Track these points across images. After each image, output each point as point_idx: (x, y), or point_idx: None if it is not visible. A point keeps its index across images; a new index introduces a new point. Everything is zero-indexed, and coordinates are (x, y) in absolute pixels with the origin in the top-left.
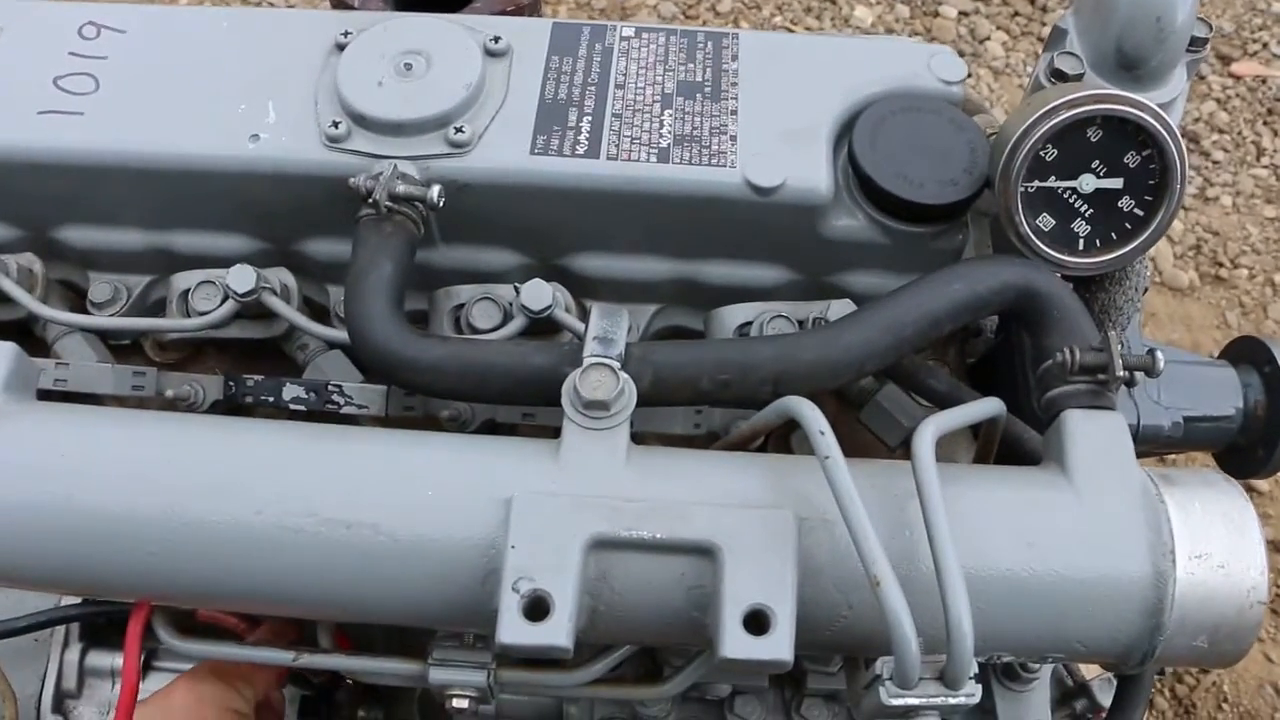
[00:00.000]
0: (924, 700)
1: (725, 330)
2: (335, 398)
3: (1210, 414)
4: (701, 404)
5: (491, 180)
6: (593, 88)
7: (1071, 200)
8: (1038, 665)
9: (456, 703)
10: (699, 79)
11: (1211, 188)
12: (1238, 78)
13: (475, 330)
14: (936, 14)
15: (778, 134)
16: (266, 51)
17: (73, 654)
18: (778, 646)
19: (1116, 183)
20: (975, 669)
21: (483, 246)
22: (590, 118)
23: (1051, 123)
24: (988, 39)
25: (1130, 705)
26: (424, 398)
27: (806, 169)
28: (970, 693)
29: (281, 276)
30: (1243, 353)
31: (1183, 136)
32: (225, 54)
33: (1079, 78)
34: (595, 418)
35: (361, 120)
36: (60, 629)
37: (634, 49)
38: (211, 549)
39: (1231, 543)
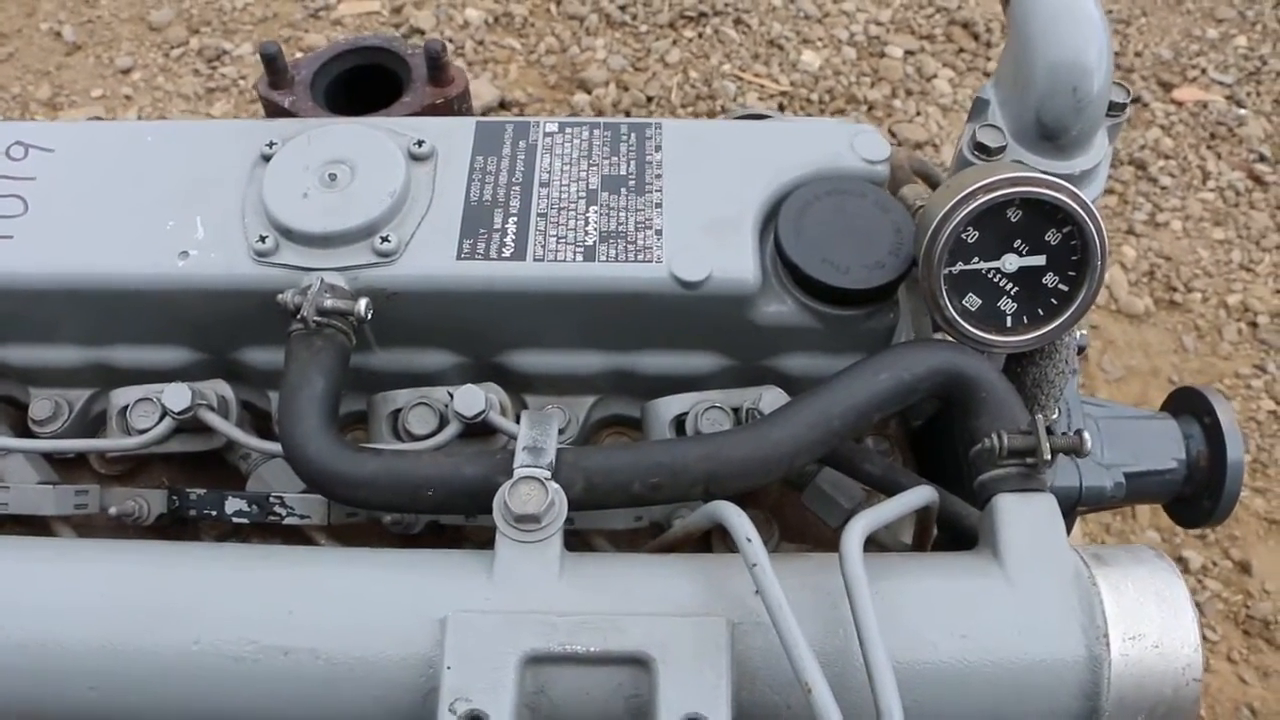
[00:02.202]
0: None
1: (661, 423)
2: (277, 509)
3: (1154, 468)
4: (634, 506)
5: (419, 287)
6: (517, 187)
7: (996, 280)
8: None
9: None
10: (623, 172)
11: (1161, 213)
12: (1179, 104)
13: (412, 436)
14: (883, 54)
15: (703, 225)
16: (193, 165)
17: None
18: None
19: (1039, 260)
20: None
21: (418, 349)
22: (516, 218)
23: (969, 208)
24: (934, 76)
25: None
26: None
27: (732, 260)
28: None
29: (219, 389)
30: (1183, 404)
31: (1130, 164)
32: (153, 168)
33: (1001, 150)
34: (527, 530)
35: (288, 233)
36: None
37: (558, 144)
38: (151, 681)
39: (1165, 621)
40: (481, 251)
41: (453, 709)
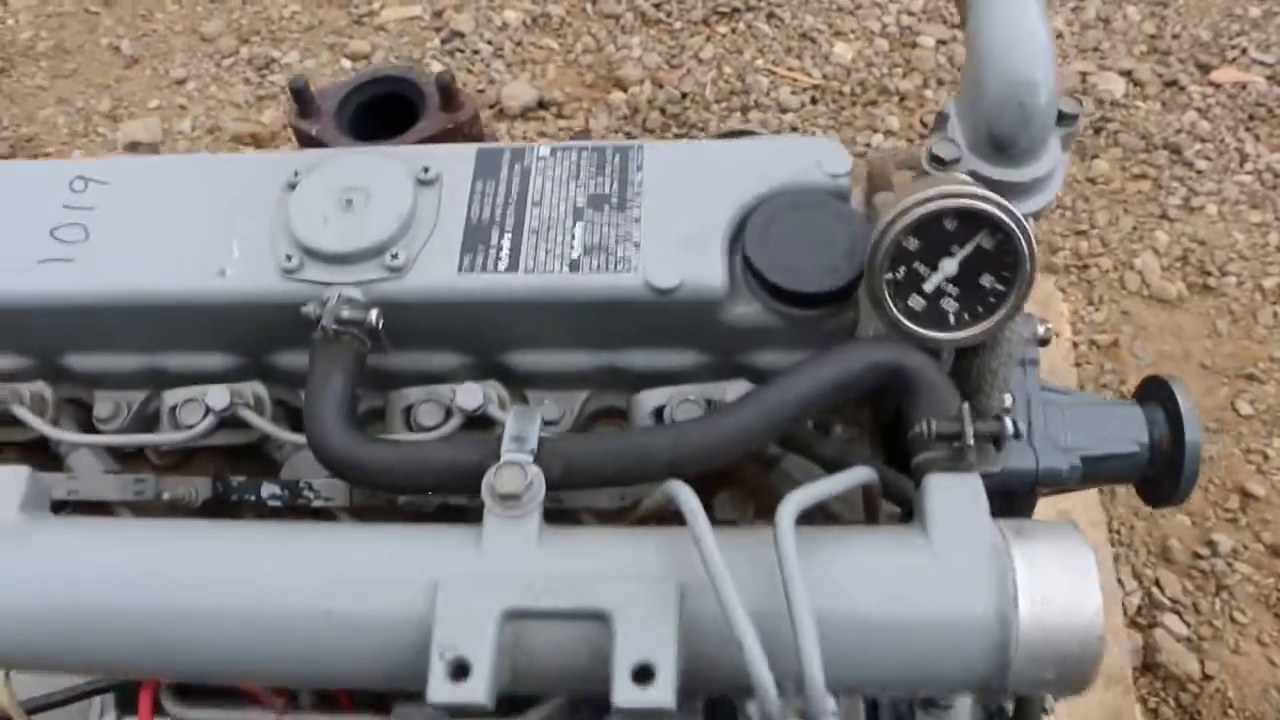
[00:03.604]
0: None
1: (643, 413)
2: (306, 494)
3: (1116, 452)
4: (608, 486)
5: (425, 299)
6: (512, 206)
7: (940, 283)
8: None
9: None
10: (606, 191)
11: (1196, 197)
12: (1217, 85)
13: (422, 428)
14: (915, 44)
15: (677, 237)
16: (229, 193)
17: None
18: (661, 695)
19: (976, 264)
20: (832, 706)
21: (429, 352)
22: (510, 235)
23: (905, 221)
24: None
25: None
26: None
27: (702, 269)
28: None
29: (255, 389)
30: (1150, 391)
31: (1165, 148)
32: (195, 197)
33: (955, 162)
34: (509, 508)
35: (311, 253)
36: (97, 700)
37: (549, 167)
38: (203, 635)
39: (1072, 588)
40: (480, 265)
41: (442, 655)
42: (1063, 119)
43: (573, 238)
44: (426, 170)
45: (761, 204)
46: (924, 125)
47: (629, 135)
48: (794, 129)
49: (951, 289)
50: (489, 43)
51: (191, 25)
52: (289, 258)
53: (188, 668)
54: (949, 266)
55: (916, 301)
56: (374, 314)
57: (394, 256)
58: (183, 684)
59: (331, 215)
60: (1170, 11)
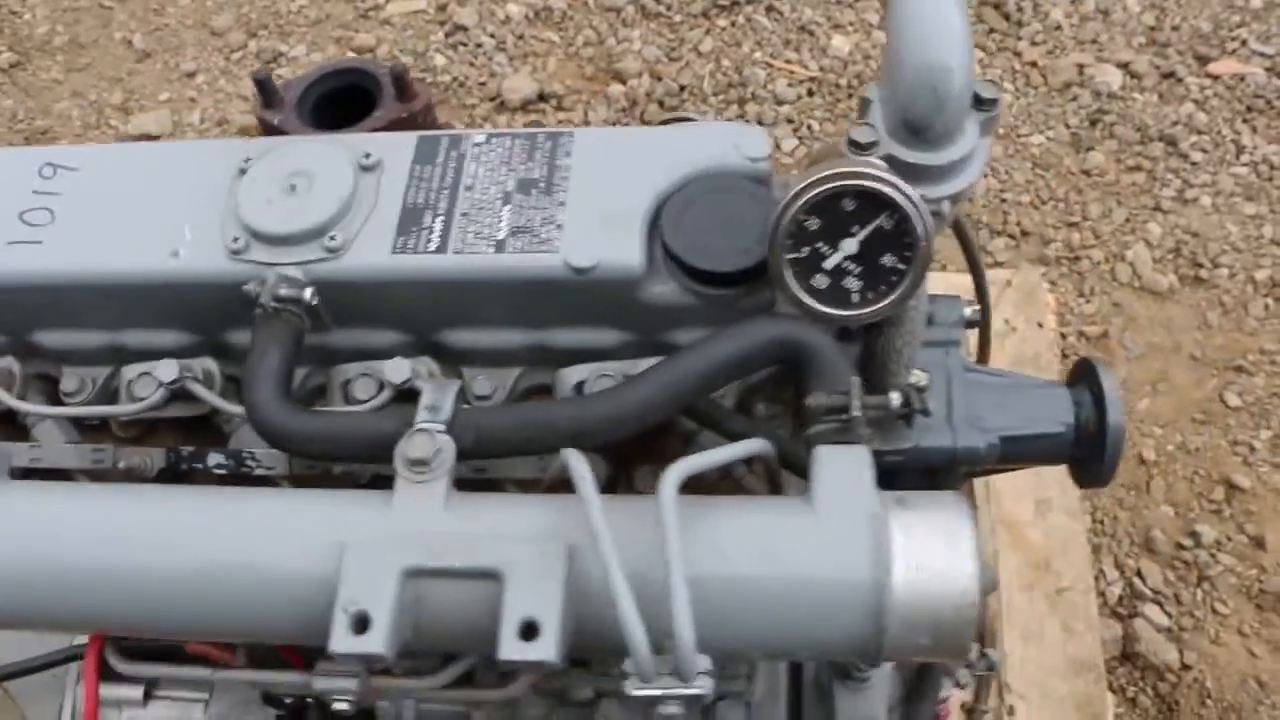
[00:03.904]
0: (661, 692)
1: (565, 388)
2: (249, 463)
3: (1042, 432)
4: (517, 455)
5: (360, 278)
6: (446, 191)
7: (842, 262)
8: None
9: (337, 706)
10: (536, 176)
11: (1190, 189)
12: (1215, 77)
13: (357, 401)
14: None
15: (598, 220)
16: (186, 179)
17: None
18: (545, 649)
19: (877, 244)
20: (705, 666)
21: (368, 329)
22: (443, 218)
23: (803, 200)
24: None
25: (925, 690)
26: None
27: (620, 249)
28: (702, 685)
29: (205, 365)
30: (1080, 374)
31: (1160, 140)
32: (154, 183)
33: (872, 145)
34: (418, 472)
35: (256, 235)
36: (74, 666)
37: (484, 153)
38: (143, 592)
39: (946, 555)
40: (412, 247)
41: (345, 609)
42: (981, 103)
43: (500, 220)
44: (368, 156)
45: (681, 187)
46: None
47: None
48: (789, 121)
49: (854, 268)
50: (491, 36)
51: (202, 19)
52: (235, 239)
53: (116, 621)
54: (849, 246)
55: (820, 280)
56: (309, 292)
57: (332, 238)
58: (130, 644)
59: (276, 199)
60: (1170, 3)
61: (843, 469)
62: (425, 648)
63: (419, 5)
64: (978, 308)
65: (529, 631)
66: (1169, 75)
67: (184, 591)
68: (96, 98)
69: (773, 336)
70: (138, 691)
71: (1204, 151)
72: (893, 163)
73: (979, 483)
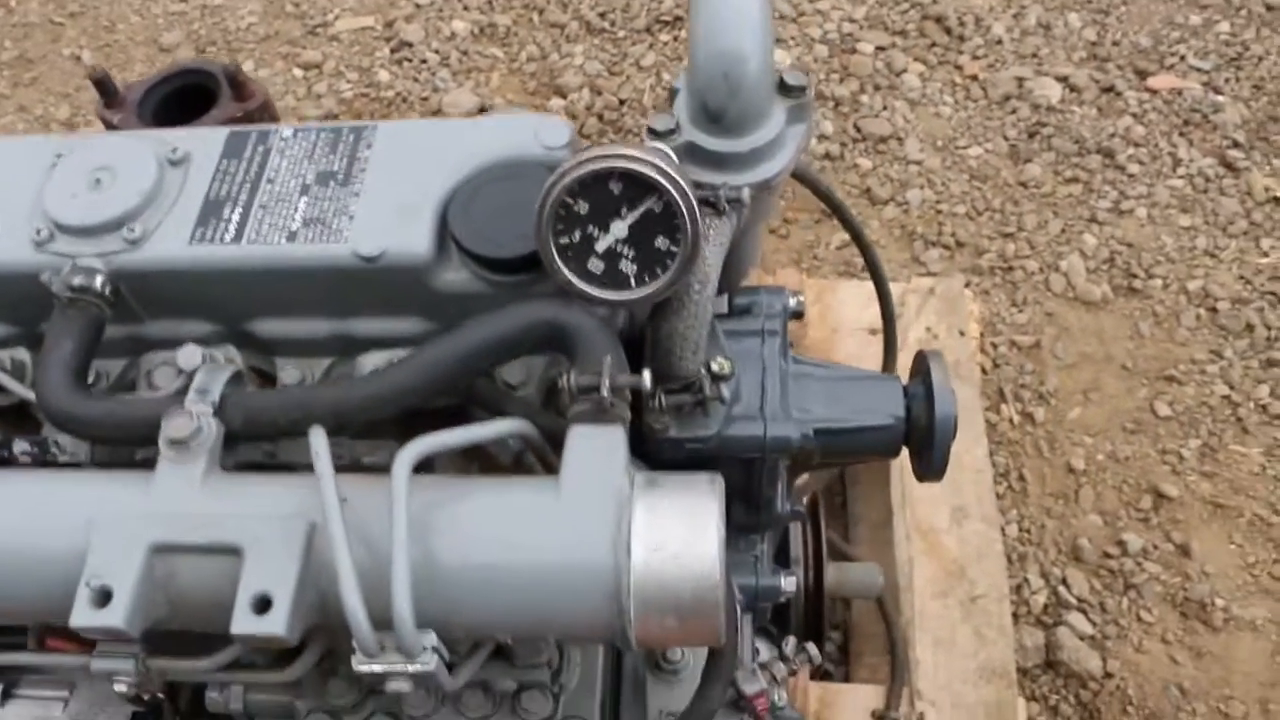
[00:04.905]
0: (385, 668)
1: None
2: (53, 449)
3: (870, 424)
4: (285, 437)
5: (158, 268)
6: (249, 184)
7: (614, 245)
8: (679, 657)
9: (117, 688)
10: (335, 169)
11: (1126, 200)
12: (1154, 91)
13: (156, 388)
14: (854, 50)
15: (390, 210)
16: (4, 174)
17: None
18: (274, 624)
19: (649, 226)
20: (431, 643)
21: (179, 319)
22: (242, 209)
23: (565, 182)
24: (904, 71)
25: (714, 677)
26: (128, 447)
27: (407, 238)
28: (425, 662)
29: (16, 355)
30: (917, 367)
31: (1098, 152)
32: None
33: (670, 133)
34: (178, 453)
35: (60, 226)
36: None
37: (289, 147)
38: None
39: (687, 536)
40: (208, 238)
41: (88, 583)
42: (789, 90)
43: (296, 211)
44: (175, 151)
45: (472, 176)
46: (857, 130)
47: None
48: None
49: (627, 251)
50: (436, 52)
51: (152, 36)
52: (39, 231)
53: None
54: (619, 229)
55: (595, 264)
56: (99, 280)
57: (131, 230)
58: None
59: (80, 192)
60: (1111, 19)
61: (593, 449)
62: (181, 625)
63: (367, 22)
64: (802, 299)
65: (262, 605)
66: (1108, 89)
67: None
68: (43, 112)
69: (533, 319)
70: None
71: (1141, 164)
72: (694, 150)
73: (894, 488)
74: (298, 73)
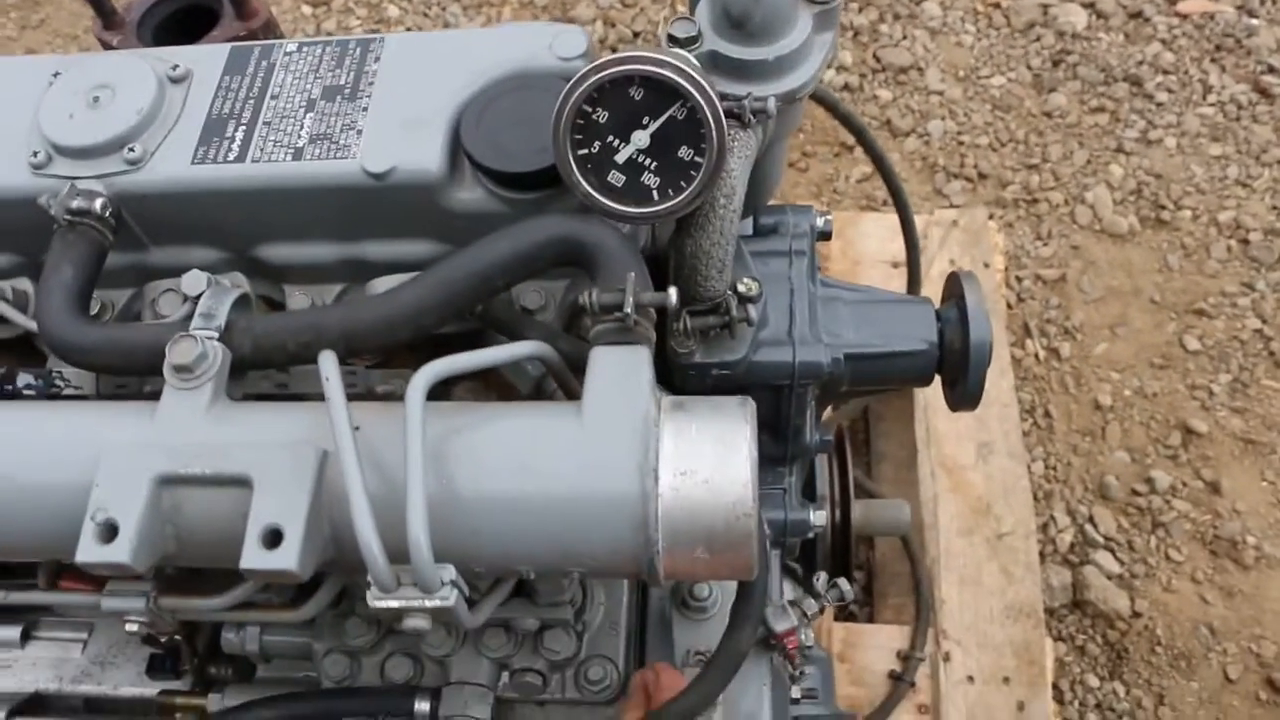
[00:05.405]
0: (402, 603)
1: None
2: (58, 383)
3: (903, 350)
4: (295, 363)
5: (160, 190)
6: (252, 101)
7: (635, 156)
8: (706, 594)
9: (128, 628)
10: (342, 83)
11: (1155, 130)
12: (1184, 16)
13: (161, 316)
14: None
15: (399, 124)
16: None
17: None
18: (286, 559)
19: (671, 136)
20: (450, 577)
21: (184, 245)
22: (245, 127)
23: (582, 88)
24: None
25: (744, 614)
26: (138, 378)
27: (418, 153)
28: (444, 597)
29: (18, 285)
30: (950, 290)
31: (1125, 80)
32: None
33: (691, 40)
34: (183, 379)
35: (58, 148)
36: None
37: (294, 62)
38: None
39: (718, 460)
40: (211, 157)
41: (93, 518)
42: None
43: (302, 128)
44: (175, 68)
45: (485, 88)
46: (876, 60)
47: None
48: None
49: (649, 162)
50: None
51: None
52: (36, 154)
53: None
54: (640, 139)
55: (616, 177)
56: (99, 203)
57: (131, 150)
58: None
59: (78, 112)
60: None
61: (617, 370)
62: (190, 562)
63: None
64: (830, 218)
65: (273, 539)
66: (1136, 15)
67: None
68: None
69: (552, 233)
70: (14, 632)
71: (1170, 92)
72: (717, 59)
73: (919, 424)
74: (306, 10)
